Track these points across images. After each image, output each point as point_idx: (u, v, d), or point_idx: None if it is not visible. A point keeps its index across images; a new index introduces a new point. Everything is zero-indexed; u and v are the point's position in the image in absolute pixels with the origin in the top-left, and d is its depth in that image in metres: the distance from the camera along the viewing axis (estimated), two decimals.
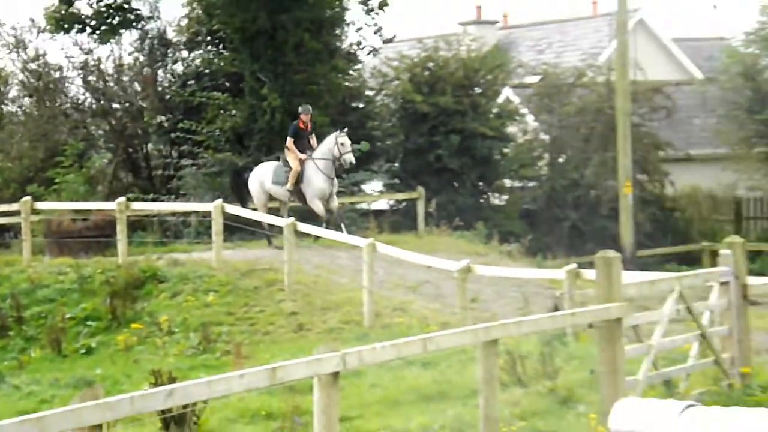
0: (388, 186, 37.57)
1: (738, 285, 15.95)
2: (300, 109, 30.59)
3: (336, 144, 29.11)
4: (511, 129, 39.05)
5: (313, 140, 30.33)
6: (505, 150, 38.28)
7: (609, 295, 13.25)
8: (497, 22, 54.03)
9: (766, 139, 37.69)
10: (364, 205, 37.29)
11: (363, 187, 37.80)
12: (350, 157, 29.08)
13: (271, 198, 30.61)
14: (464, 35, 44.24)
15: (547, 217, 37.35)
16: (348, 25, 38.31)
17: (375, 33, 37.70)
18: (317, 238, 27.99)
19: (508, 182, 38.83)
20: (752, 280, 16.75)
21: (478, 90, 38.40)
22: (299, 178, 29.20)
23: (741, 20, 55.06)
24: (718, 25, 78.99)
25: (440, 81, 37.70)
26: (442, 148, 36.82)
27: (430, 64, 38.61)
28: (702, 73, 46.33)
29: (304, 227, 26.78)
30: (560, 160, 38.97)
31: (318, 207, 29.18)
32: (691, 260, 31.76)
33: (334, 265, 26.93)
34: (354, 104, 39.11)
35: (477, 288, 23.62)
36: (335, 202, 29.73)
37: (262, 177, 30.30)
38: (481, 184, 38.27)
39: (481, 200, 37.93)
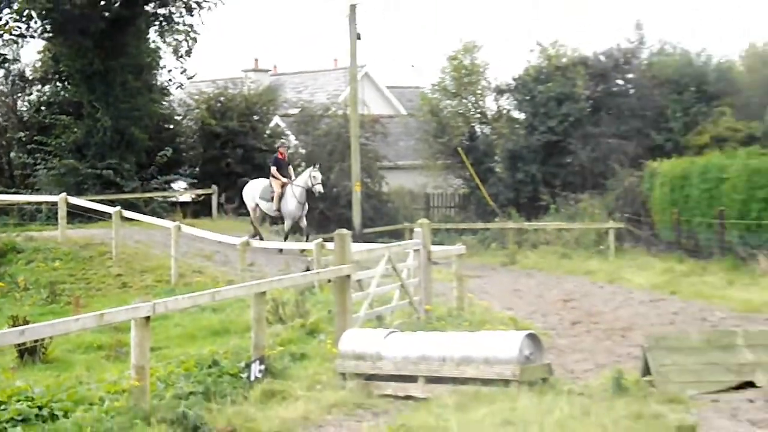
0: (190, 184, 37.39)
1: (425, 251, 16.61)
2: (277, 144, 30.57)
3: (310, 176, 27.18)
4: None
5: (291, 170, 28.51)
6: None
7: (342, 259, 13.70)
8: (269, 70, 54.20)
9: (445, 155, 38.81)
10: (173, 198, 36.93)
11: (172, 185, 37.47)
12: (319, 188, 27.19)
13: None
14: (246, 78, 44.59)
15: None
16: (162, 67, 38.11)
17: (181, 73, 37.44)
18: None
19: None
20: (434, 249, 17.49)
21: (256, 117, 38.33)
22: (281, 199, 27.33)
23: (431, 74, 56.18)
24: (417, 77, 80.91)
25: (229, 110, 37.59)
26: (230, 157, 36.79)
27: (222, 98, 38.39)
28: (405, 110, 47.49)
29: (128, 213, 26.64)
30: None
31: (287, 224, 27.64)
32: (397, 236, 32.34)
33: (150, 241, 26.73)
34: (166, 125, 38.68)
35: (254, 257, 23.93)
36: (304, 221, 27.72)
37: (253, 192, 28.35)
38: None
39: None
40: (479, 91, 39.38)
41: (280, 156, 28.33)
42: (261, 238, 26.95)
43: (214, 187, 35.04)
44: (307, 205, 27.63)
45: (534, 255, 30.89)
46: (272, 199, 27.51)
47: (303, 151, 39.31)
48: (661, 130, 35.58)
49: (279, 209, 27.43)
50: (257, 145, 37.44)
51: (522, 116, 38.29)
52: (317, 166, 27.99)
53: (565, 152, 36.27)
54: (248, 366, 11.86)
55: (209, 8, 36.28)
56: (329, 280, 14.63)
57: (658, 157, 32.73)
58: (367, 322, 14.42)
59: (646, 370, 11.51)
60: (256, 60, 53.79)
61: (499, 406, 9.84)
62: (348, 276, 13.59)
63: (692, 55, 37.41)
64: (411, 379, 11.55)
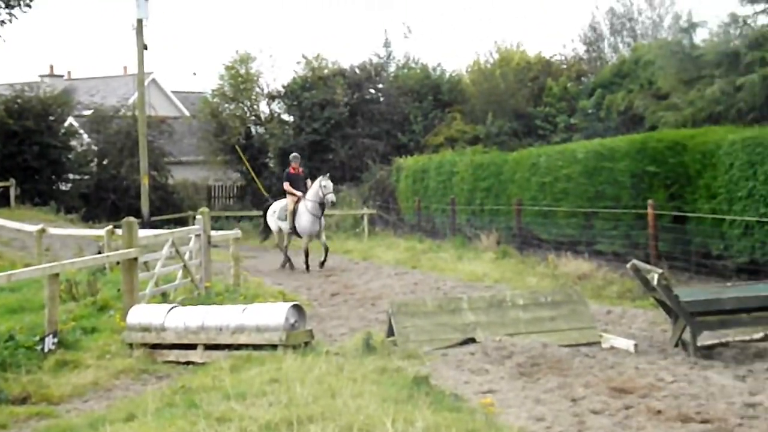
0: None
1: (205, 236, 16.48)
2: (290, 157, 24.33)
3: (320, 187, 22.33)
4: (74, 143, 37.96)
5: (309, 182, 23.32)
6: (69, 156, 37.16)
7: (130, 244, 13.42)
8: (63, 75, 52.52)
9: (224, 152, 38.59)
10: None
11: None
12: (331, 197, 22.36)
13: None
14: (42, 83, 42.96)
15: (96, 198, 36.49)
16: None
17: None
18: None
19: (71, 176, 37.73)
20: (214, 233, 17.35)
21: (51, 117, 36.62)
22: (294, 215, 22.57)
23: (212, 80, 55.64)
24: (199, 83, 79.95)
25: (25, 111, 35.84)
26: (27, 153, 35.13)
27: (19, 100, 36.62)
28: (189, 112, 46.72)
29: None
30: (105, 162, 38.21)
31: (304, 241, 22.44)
32: (182, 223, 31.93)
33: None
34: None
35: (50, 242, 23.01)
36: (323, 237, 22.71)
37: (274, 212, 23.67)
38: (53, 176, 36.76)
39: (54, 187, 36.54)
40: (254, 97, 39.37)
41: (292, 171, 23.48)
42: (291, 266, 22.91)
43: (12, 180, 33.53)
44: (323, 219, 22.90)
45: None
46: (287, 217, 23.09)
47: (95, 148, 38.32)
48: (405, 132, 36.53)
49: (294, 227, 22.75)
50: (53, 143, 35.89)
51: (291, 119, 38.45)
52: (327, 175, 23.00)
53: (327, 150, 36.65)
54: (42, 339, 11.48)
55: (11, 20, 34.80)
56: (118, 262, 14.31)
57: (403, 154, 33.61)
58: (153, 299, 14.16)
59: (391, 332, 11.82)
60: (51, 66, 52.16)
61: (267, 366, 9.90)
62: (135, 258, 13.35)
63: (430, 69, 38.60)
64: (191, 347, 11.51)
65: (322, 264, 22.27)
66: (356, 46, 75.04)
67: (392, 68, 39.33)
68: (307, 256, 22.21)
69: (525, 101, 34.71)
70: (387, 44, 39.61)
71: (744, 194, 15.03)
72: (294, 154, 24.82)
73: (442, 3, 69.74)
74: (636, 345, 11.19)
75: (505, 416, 8.10)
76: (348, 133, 36.52)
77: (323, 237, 22.70)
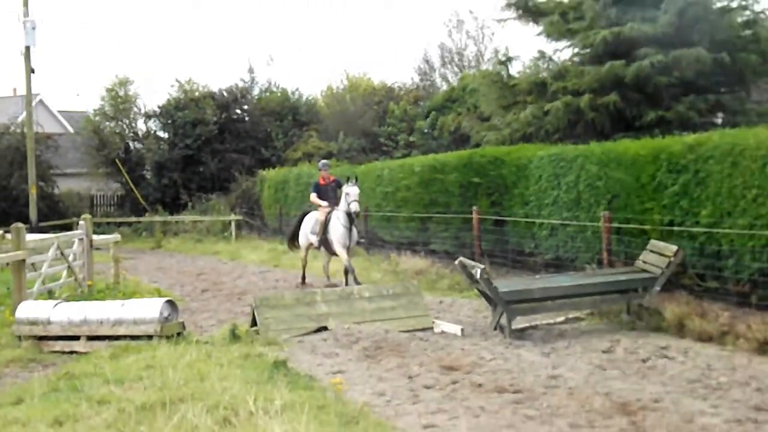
0: None
1: (88, 239, 16.06)
2: (319, 165, 18.54)
3: (345, 195, 16.90)
4: None
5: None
6: None
7: (18, 246, 12.97)
8: None
9: (105, 165, 37.39)
10: None
11: None
12: (355, 206, 16.60)
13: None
14: None
15: None
16: None
17: None
18: None
19: None
20: (96, 237, 16.91)
21: None
22: (326, 228, 17.18)
23: (94, 100, 53.74)
24: (83, 102, 77.44)
25: None
26: None
27: None
28: (74, 129, 45.01)
29: None
30: None
31: (342, 254, 16.77)
32: (68, 228, 30.79)
33: None
34: None
35: None
36: (349, 253, 16.95)
37: (307, 224, 18.06)
38: None
39: None
40: (132, 116, 38.20)
41: (321, 181, 17.86)
42: (304, 281, 17.96)
43: None
44: (355, 231, 17.10)
45: (175, 241, 30.60)
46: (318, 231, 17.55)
47: None
48: (268, 147, 36.33)
49: (324, 239, 17.20)
50: None
51: (166, 135, 37.56)
52: (354, 180, 17.00)
53: (199, 163, 36.08)
54: None
55: None
56: (8, 264, 13.75)
57: (267, 167, 33.41)
58: (40, 296, 13.71)
59: (254, 323, 11.70)
60: None
61: (143, 354, 9.72)
62: (23, 260, 12.91)
63: (289, 93, 38.52)
64: (75, 338, 11.19)
65: (347, 280, 16.57)
66: (225, 71, 73.95)
67: (256, 91, 39.05)
68: (347, 274, 16.56)
69: (371, 122, 35.08)
70: (251, 70, 39.50)
71: (550, 201, 15.37)
72: (323, 161, 18.89)
73: (300, 33, 69.64)
74: (462, 329, 11.38)
75: (351, 393, 8.16)
76: (217, 148, 36.04)
77: (349, 253, 16.93)
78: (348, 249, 16.72)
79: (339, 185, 17.42)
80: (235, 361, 9.37)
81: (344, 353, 10.25)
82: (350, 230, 16.74)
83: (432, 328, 11.75)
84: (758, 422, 7.04)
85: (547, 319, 11.77)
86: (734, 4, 20.64)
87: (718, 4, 20.38)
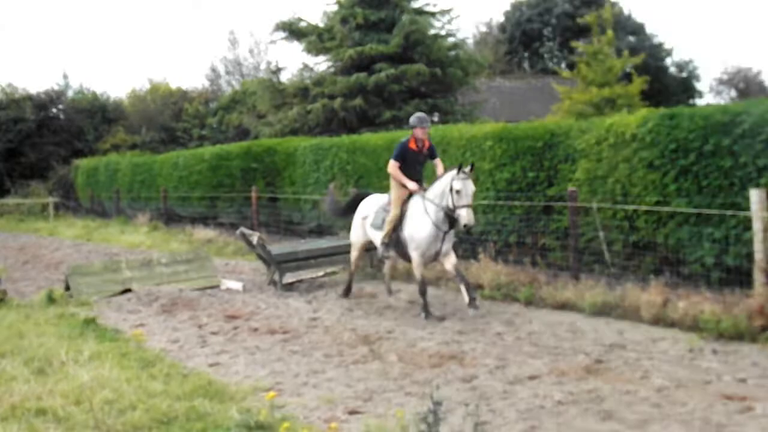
0: None
1: None
2: (413, 120, 8.54)
3: (452, 189, 7.91)
4: None
5: (439, 168, 8.67)
6: None
7: None
8: None
9: None
10: None
11: None
12: (467, 217, 7.77)
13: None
14: None
15: None
16: None
17: None
18: None
19: None
20: None
21: None
22: (401, 219, 8.49)
23: None
24: None
25: None
26: None
27: None
28: None
29: None
30: None
31: (416, 264, 8.38)
32: None
33: None
34: None
35: None
36: (453, 259, 8.30)
37: (366, 212, 9.29)
38: None
39: None
40: None
41: (411, 145, 8.57)
42: (348, 291, 9.94)
43: None
44: (452, 236, 8.41)
45: (1, 221, 27.88)
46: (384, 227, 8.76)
47: None
48: (81, 140, 33.87)
49: (396, 238, 8.64)
50: None
51: None
52: (468, 168, 7.97)
53: (20, 155, 32.88)
54: None
55: None
56: None
57: (80, 157, 31.23)
58: None
59: (68, 288, 11.01)
60: None
61: None
62: None
63: (99, 94, 36.28)
64: None
65: (471, 302, 8.15)
66: (41, 75, 67.62)
67: (70, 93, 36.39)
68: (424, 293, 8.49)
69: (169, 118, 33.89)
70: (65, 76, 36.65)
71: (312, 181, 15.53)
72: (419, 114, 8.79)
73: (104, 40, 64.96)
74: (244, 286, 11.23)
75: (150, 342, 7.90)
76: (36, 141, 33.01)
77: (452, 258, 8.39)
78: (434, 257, 8.48)
79: (433, 155, 8.85)
80: (51, 321, 8.83)
81: (145, 310, 9.86)
82: (444, 236, 8.33)
83: (219, 286, 11.52)
84: (460, 342, 7.52)
85: (310, 274, 11.88)
86: (443, 32, 21.83)
87: (433, 31, 21.42)
